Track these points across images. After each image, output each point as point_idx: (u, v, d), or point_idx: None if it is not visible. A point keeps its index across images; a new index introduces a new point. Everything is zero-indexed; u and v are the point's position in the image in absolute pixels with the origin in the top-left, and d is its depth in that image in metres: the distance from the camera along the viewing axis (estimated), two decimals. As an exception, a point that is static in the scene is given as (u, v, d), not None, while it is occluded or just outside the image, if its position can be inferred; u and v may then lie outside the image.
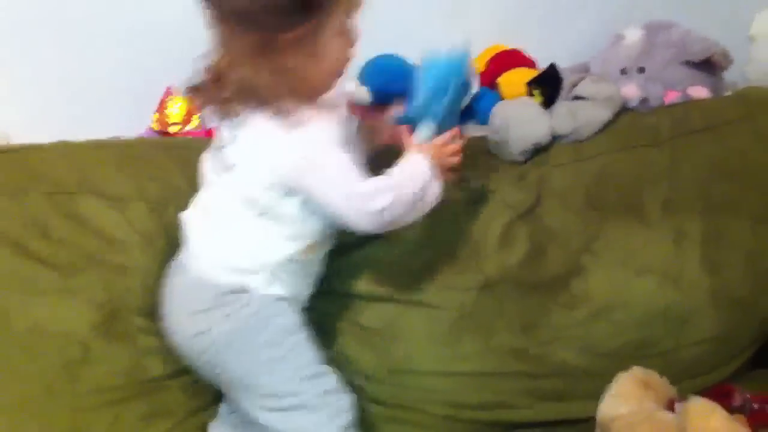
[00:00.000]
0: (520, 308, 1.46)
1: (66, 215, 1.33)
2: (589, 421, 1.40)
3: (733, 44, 1.75)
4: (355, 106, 1.70)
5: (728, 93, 1.78)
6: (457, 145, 1.30)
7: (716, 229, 1.54)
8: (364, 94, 1.67)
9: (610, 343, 1.47)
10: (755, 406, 1.39)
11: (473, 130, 1.71)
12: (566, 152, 1.61)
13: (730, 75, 1.79)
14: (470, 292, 1.44)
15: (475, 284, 1.44)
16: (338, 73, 1.22)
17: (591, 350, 1.46)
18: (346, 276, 1.42)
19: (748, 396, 1.41)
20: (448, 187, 1.29)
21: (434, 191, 1.25)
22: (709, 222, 1.54)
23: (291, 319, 1.27)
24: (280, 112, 1.14)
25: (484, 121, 1.68)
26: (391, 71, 1.70)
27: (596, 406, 1.35)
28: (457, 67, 1.30)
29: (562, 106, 1.65)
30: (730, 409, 1.28)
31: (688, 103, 1.68)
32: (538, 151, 1.61)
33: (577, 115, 1.62)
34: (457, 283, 1.44)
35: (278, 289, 1.26)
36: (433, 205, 1.26)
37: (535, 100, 1.66)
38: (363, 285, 1.42)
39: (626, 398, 1.31)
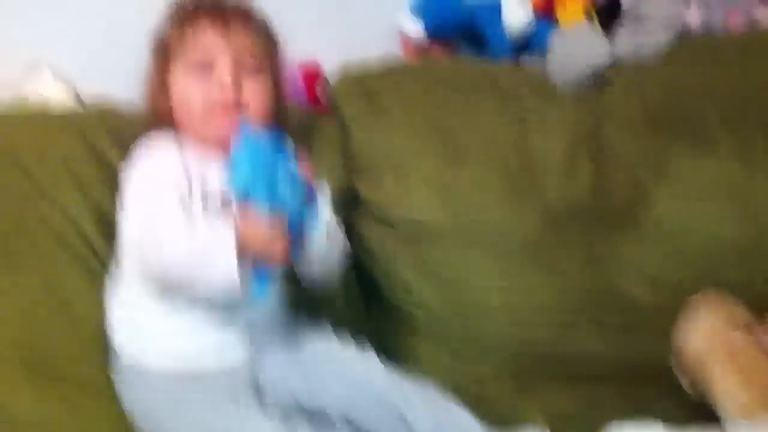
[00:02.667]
0: (586, 239, 1.42)
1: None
2: (657, 354, 1.36)
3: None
4: (408, 42, 1.68)
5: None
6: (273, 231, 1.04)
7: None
8: (415, 26, 1.64)
9: (679, 275, 1.43)
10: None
11: (530, 60, 1.67)
12: (628, 73, 1.56)
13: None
14: (533, 222, 1.41)
15: (538, 215, 1.41)
16: (188, 108, 1.18)
17: (659, 283, 1.42)
18: (407, 208, 1.40)
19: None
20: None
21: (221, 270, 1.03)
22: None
23: None
24: None
25: (540, 51, 1.64)
26: (445, 6, 1.67)
27: (663, 340, 1.31)
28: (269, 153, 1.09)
29: (621, 29, 1.60)
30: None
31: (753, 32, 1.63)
32: (598, 76, 1.56)
33: (637, 38, 1.57)
34: (519, 213, 1.41)
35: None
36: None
37: (594, 25, 1.61)
38: (427, 214, 1.40)
39: (712, 322, 1.26)
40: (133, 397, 1.14)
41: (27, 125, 1.30)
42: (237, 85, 1.16)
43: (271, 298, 1.16)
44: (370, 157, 1.44)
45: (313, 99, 1.59)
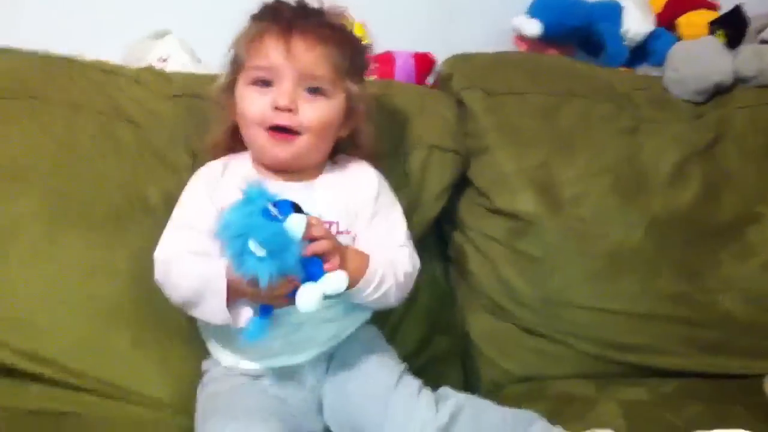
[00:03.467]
0: (687, 252, 1.40)
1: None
2: (746, 378, 1.34)
3: None
4: (522, 43, 1.68)
5: None
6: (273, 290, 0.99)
7: None
8: (533, 27, 1.64)
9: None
10: None
11: (647, 70, 1.65)
12: (750, 95, 1.53)
13: None
14: (635, 228, 1.39)
15: (641, 221, 1.39)
16: (246, 123, 1.14)
17: (758, 301, 1.38)
18: (510, 198, 1.39)
19: None
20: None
21: (211, 309, 1.04)
22: None
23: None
24: None
25: (658, 62, 1.62)
26: (564, 7, 1.66)
27: (757, 359, 1.30)
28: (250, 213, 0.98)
29: (747, 48, 1.57)
30: None
31: None
32: (718, 92, 1.53)
33: (764, 58, 1.53)
34: (622, 217, 1.39)
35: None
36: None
37: (719, 41, 1.58)
38: (529, 206, 1.39)
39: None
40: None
41: (149, 90, 1.34)
42: (294, 108, 1.10)
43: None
44: (479, 142, 1.44)
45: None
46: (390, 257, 1.13)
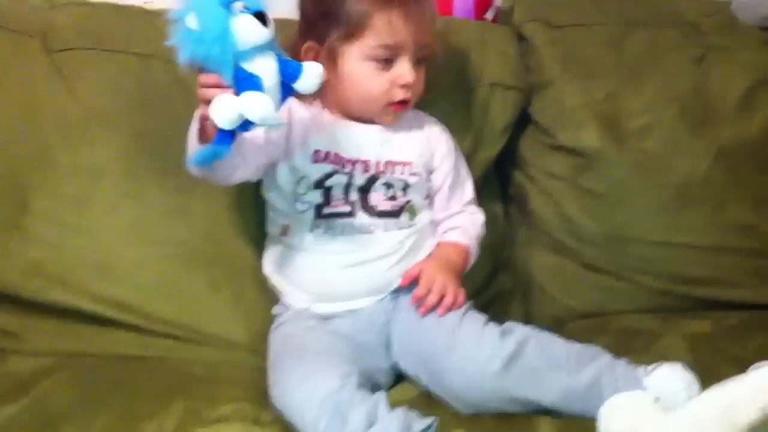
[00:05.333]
0: (755, 182, 1.37)
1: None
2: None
3: None
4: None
5: None
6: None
7: None
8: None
9: None
10: None
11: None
12: (820, 21, 1.48)
13: None
14: (702, 159, 1.37)
15: (709, 152, 1.37)
16: (366, 100, 1.16)
17: (831, 234, 1.36)
18: (574, 133, 1.38)
19: None
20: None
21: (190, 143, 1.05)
22: None
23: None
24: None
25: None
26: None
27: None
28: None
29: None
30: None
31: None
32: (788, 19, 1.49)
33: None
34: (689, 147, 1.37)
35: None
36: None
37: (790, -36, 1.52)
38: (594, 141, 1.38)
39: None
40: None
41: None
42: (415, 83, 1.16)
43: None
44: (542, 77, 1.42)
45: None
46: (470, 222, 1.26)
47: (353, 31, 1.12)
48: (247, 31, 0.92)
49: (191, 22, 0.91)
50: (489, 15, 1.59)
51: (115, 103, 1.25)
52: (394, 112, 1.18)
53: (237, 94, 0.94)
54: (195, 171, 1.07)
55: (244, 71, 0.94)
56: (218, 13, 0.91)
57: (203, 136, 1.02)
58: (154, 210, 1.22)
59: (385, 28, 1.12)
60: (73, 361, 1.16)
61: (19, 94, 1.24)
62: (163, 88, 1.28)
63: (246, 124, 0.95)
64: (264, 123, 0.95)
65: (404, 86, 1.15)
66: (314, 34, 1.15)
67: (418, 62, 1.16)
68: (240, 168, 1.09)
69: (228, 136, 0.96)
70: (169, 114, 1.26)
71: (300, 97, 1.19)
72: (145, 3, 1.39)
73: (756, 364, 0.98)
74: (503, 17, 1.52)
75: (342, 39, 1.13)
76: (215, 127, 0.95)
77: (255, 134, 1.06)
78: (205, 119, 0.99)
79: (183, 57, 0.94)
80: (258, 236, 1.25)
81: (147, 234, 1.22)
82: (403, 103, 1.17)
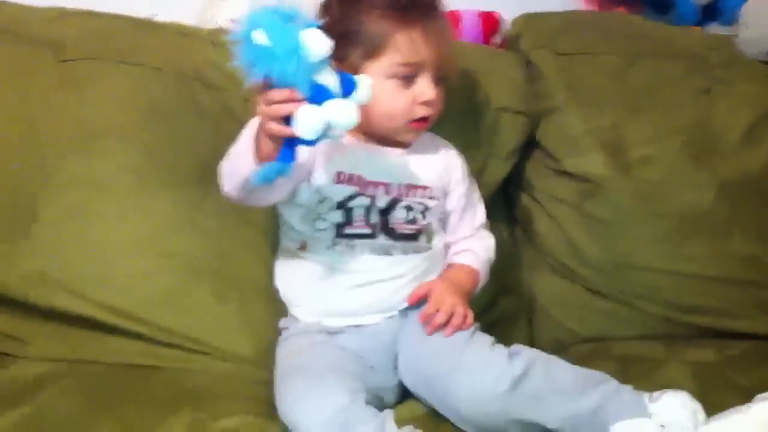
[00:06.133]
0: (759, 215, 1.39)
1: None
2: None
3: None
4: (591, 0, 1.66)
5: None
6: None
7: None
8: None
9: None
10: None
11: (717, 29, 1.62)
12: (823, 56, 1.50)
13: None
14: (706, 191, 1.38)
15: (712, 184, 1.38)
16: (389, 117, 1.16)
17: (833, 266, 1.37)
18: (578, 159, 1.40)
19: None
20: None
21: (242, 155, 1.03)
22: None
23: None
24: None
25: (728, 21, 1.60)
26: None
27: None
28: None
29: (823, 7, 1.52)
30: None
31: None
32: (792, 53, 1.51)
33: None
34: (692, 179, 1.38)
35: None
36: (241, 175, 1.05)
37: (794, -2, 1.54)
38: (598, 168, 1.39)
39: None
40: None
41: (225, 52, 1.35)
42: (435, 101, 1.17)
43: None
44: (548, 103, 1.44)
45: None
46: (480, 246, 1.27)
47: (375, 50, 1.13)
48: (316, 43, 0.93)
49: (261, 38, 0.92)
50: (497, 40, 1.61)
51: (125, 115, 1.25)
52: (415, 130, 1.19)
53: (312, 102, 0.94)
54: (237, 193, 1.07)
55: (317, 83, 0.95)
56: (288, 27, 0.92)
57: (260, 155, 1.01)
58: (162, 222, 1.22)
59: (406, 46, 1.13)
60: (78, 368, 1.16)
61: (29, 103, 1.24)
62: (173, 102, 1.28)
63: (316, 138, 0.96)
64: (349, 129, 0.96)
65: (425, 103, 1.16)
66: (335, 54, 1.16)
67: (437, 80, 1.17)
68: (281, 188, 1.10)
69: (291, 151, 0.98)
70: (179, 128, 1.26)
71: None
72: (151, 16, 1.40)
73: (761, 395, 0.99)
74: (511, 43, 1.54)
75: (363, 58, 1.14)
76: (277, 143, 0.97)
77: None
78: (267, 136, 0.99)
79: (255, 74, 0.93)
80: (266, 250, 1.25)
81: (155, 246, 1.22)
82: (424, 120, 1.18)
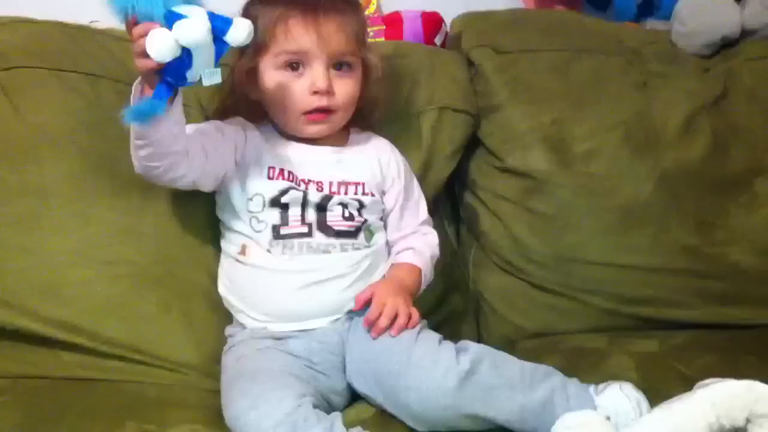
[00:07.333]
0: (697, 205, 1.41)
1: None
2: (756, 328, 1.37)
3: None
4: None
5: None
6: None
7: None
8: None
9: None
10: None
11: (654, 24, 1.65)
12: (757, 48, 1.54)
13: None
14: (646, 183, 1.40)
15: (652, 175, 1.40)
16: (283, 108, 1.18)
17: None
18: (520, 152, 1.41)
19: None
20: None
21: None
22: None
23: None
24: None
25: (665, 16, 1.62)
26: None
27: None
28: None
29: (754, 0, 1.55)
30: None
31: None
32: (726, 46, 1.54)
33: (770, 12, 1.53)
34: (633, 171, 1.41)
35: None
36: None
37: (726, -6, 1.58)
38: (540, 164, 1.41)
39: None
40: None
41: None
42: (330, 90, 1.15)
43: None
44: (490, 101, 1.45)
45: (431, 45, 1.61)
46: (423, 243, 1.26)
47: (261, 44, 1.14)
48: None
49: None
50: (438, 40, 1.62)
51: (62, 122, 1.23)
52: (315, 123, 1.18)
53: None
54: (138, 163, 1.07)
55: (173, 12, 0.96)
56: None
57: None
58: (102, 230, 1.20)
59: (283, 35, 1.14)
60: (19, 384, 1.13)
61: (-38, 112, 1.20)
62: (111, 109, 1.24)
63: (182, 76, 0.98)
64: (198, 46, 0.96)
65: (319, 92, 1.15)
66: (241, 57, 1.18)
67: (339, 68, 1.17)
68: (183, 159, 1.08)
69: (164, 88, 0.99)
70: (117, 134, 1.22)
71: (251, 119, 1.21)
72: (92, 22, 1.38)
73: (701, 382, 1.01)
74: (452, 42, 1.55)
75: (256, 55, 1.16)
76: (152, 83, 0.99)
77: (207, 128, 1.13)
78: (143, 78, 1.00)
79: (119, 13, 0.97)
80: (209, 257, 1.24)
81: (96, 255, 1.19)
82: (322, 112, 1.17)
